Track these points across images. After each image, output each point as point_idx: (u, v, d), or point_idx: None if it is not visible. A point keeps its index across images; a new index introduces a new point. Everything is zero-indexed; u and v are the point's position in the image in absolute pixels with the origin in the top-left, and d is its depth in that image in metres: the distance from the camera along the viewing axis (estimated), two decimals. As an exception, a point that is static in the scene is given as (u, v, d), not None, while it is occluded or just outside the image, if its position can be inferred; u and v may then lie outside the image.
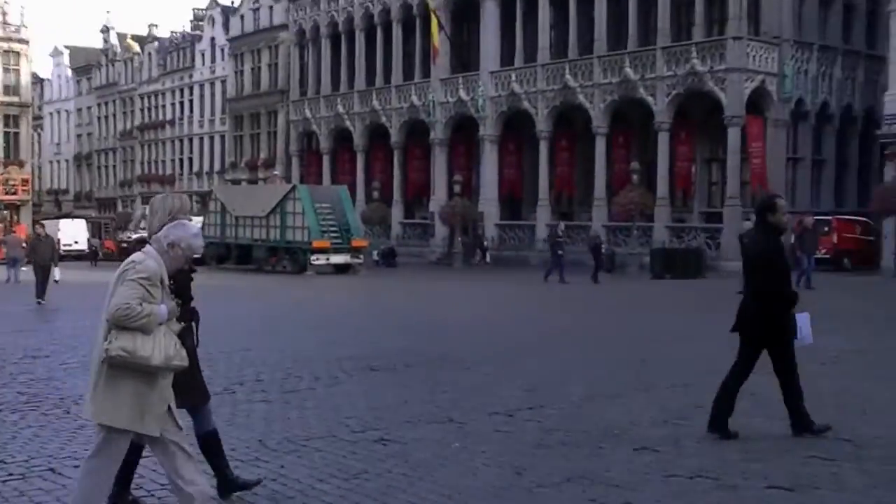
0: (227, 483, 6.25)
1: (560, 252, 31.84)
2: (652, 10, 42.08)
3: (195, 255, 5.58)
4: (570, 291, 28.72)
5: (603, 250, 34.99)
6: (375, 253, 44.92)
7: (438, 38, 48.39)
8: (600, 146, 43.18)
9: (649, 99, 41.10)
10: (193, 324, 5.96)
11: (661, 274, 33.97)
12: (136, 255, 5.34)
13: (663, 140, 40.99)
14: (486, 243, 46.13)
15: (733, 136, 38.88)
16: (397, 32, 52.59)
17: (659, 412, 9.08)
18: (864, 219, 38.36)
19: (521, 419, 8.86)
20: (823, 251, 35.38)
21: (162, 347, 5.15)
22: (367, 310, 22.73)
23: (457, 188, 46.56)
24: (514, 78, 46.55)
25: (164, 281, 5.29)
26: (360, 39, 54.94)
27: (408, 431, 8.29)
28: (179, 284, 5.67)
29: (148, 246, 5.44)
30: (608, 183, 43.19)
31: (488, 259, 45.33)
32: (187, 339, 5.68)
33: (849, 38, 43.16)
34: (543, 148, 45.50)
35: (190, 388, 5.84)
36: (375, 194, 51.66)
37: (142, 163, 77.83)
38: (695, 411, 8.93)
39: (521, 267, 42.50)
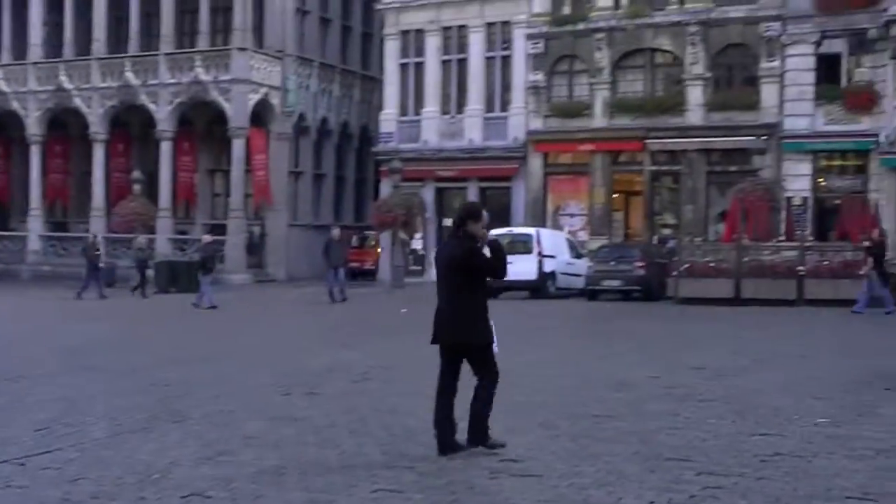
0: None
1: (100, 265, 31.19)
2: (155, 15, 40.71)
3: None
4: (84, 307, 26.66)
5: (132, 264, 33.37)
6: None
7: None
8: (98, 153, 41.09)
9: (151, 106, 39.78)
10: None
11: (166, 287, 32.88)
12: None
13: (166, 149, 39.84)
14: None
15: (237, 147, 38.74)
16: None
17: (200, 448, 8.09)
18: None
19: (37, 467, 7.49)
20: (370, 263, 39.23)
21: None
22: None
23: (-65, 194, 41.98)
24: (1, 76, 42.86)
25: None
26: None
27: None
28: None
29: None
30: (107, 192, 41.11)
31: None
32: None
33: (346, 58, 44.72)
34: (35, 153, 42.34)
35: None
36: None
37: None
38: (240, 444, 8.14)
39: (11, 281, 39.03)
